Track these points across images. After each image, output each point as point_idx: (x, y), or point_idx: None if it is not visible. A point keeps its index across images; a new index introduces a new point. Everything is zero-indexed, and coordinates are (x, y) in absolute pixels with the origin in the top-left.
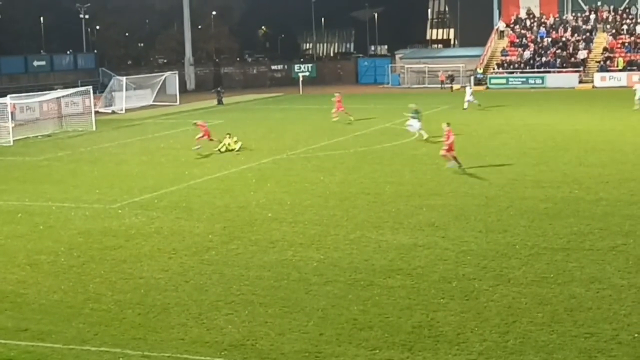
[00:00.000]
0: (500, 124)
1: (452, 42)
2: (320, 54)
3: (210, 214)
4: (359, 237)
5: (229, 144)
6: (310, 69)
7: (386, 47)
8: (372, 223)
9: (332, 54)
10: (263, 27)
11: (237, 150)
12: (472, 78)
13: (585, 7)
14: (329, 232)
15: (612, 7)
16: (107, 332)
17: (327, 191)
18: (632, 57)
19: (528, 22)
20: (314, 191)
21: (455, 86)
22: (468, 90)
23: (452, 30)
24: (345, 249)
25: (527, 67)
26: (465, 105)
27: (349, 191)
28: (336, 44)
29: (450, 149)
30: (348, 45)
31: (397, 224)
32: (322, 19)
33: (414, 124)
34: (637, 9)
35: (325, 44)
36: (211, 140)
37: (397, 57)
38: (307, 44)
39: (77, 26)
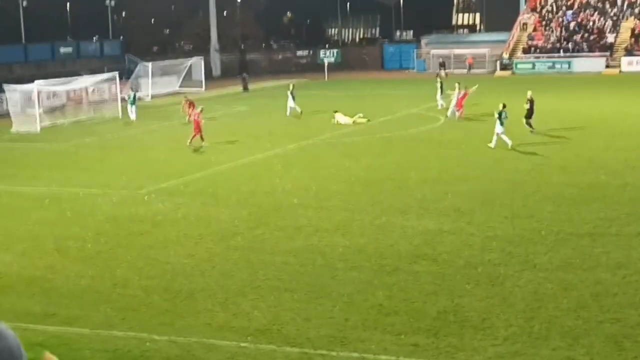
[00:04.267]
0: (526, 108)
1: (477, 27)
2: (346, 40)
3: (236, 199)
4: (385, 222)
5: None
6: (335, 55)
7: (412, 32)
8: (397, 209)
9: (357, 40)
10: (289, 13)
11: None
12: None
13: None
14: (355, 217)
15: None
16: (135, 317)
17: (353, 177)
18: None
19: (555, 6)
20: (339, 177)
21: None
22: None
23: (477, 15)
24: (370, 234)
25: (554, 52)
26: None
27: (374, 177)
28: (362, 30)
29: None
30: (374, 31)
31: (423, 209)
32: (348, 4)
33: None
34: None
35: (350, 30)
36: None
37: (422, 42)
38: (333, 30)
39: (104, 13)
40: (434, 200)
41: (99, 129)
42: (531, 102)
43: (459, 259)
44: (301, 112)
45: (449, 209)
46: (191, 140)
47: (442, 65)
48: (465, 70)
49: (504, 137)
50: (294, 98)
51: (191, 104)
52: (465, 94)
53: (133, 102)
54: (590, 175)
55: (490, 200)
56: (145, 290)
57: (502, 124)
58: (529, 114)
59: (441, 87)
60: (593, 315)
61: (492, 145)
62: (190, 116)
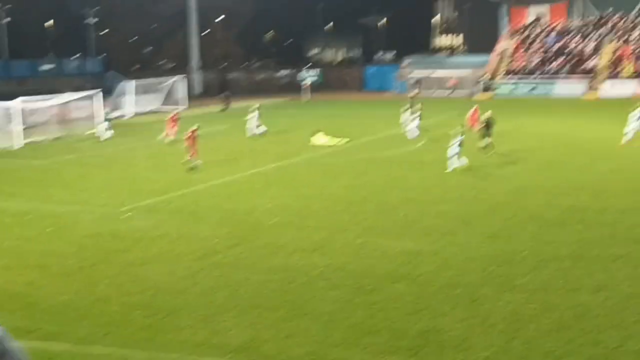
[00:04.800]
0: (507, 131)
1: (459, 48)
2: (327, 61)
3: (216, 218)
4: (365, 242)
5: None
6: (318, 75)
7: (394, 53)
8: (378, 229)
9: (338, 60)
10: (271, 32)
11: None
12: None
13: (595, 14)
14: (335, 237)
15: (622, 13)
16: (116, 333)
17: (333, 197)
18: None
19: (537, 30)
20: (320, 196)
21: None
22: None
23: (459, 37)
24: (351, 254)
25: (535, 75)
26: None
27: (355, 197)
28: (343, 50)
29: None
30: (355, 52)
31: (403, 230)
32: (329, 25)
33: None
34: None
35: (332, 50)
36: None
37: (403, 64)
38: (314, 50)
39: (86, 31)
40: (414, 220)
41: (79, 146)
42: (488, 122)
43: (439, 279)
44: (253, 134)
45: (429, 230)
46: (190, 158)
47: (417, 83)
48: (445, 93)
49: (455, 160)
50: (258, 118)
51: (174, 120)
52: (476, 109)
53: (107, 120)
54: (571, 198)
55: (471, 221)
56: (126, 307)
57: (459, 145)
58: (483, 135)
59: (410, 107)
60: (574, 336)
61: (463, 165)
62: (168, 134)
